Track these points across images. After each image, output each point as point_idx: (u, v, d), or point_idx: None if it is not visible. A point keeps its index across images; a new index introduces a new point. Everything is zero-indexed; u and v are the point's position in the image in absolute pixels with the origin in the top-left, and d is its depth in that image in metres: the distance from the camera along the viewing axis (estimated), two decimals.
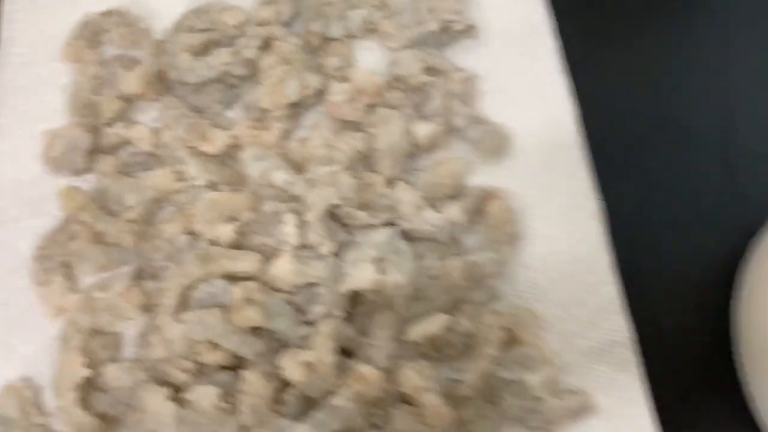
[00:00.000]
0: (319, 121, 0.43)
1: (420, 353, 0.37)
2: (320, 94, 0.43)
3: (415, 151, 0.43)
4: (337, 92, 0.43)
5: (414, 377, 0.36)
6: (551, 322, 0.40)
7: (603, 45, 0.47)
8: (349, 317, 0.38)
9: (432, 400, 0.35)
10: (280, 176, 0.39)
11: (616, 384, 0.38)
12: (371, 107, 0.43)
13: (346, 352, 0.37)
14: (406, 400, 0.36)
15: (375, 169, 0.41)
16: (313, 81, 0.42)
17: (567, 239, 0.41)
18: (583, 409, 0.37)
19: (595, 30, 0.47)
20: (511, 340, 0.38)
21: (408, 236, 0.40)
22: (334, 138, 0.42)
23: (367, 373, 0.35)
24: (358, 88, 0.43)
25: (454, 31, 0.46)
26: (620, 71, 0.47)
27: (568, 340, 0.39)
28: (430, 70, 0.44)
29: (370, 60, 0.46)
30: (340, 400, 0.35)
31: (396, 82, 0.44)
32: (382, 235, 0.39)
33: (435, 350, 0.38)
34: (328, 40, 0.45)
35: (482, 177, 0.43)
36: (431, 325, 0.37)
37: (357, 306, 0.39)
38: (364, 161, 0.42)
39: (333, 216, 0.40)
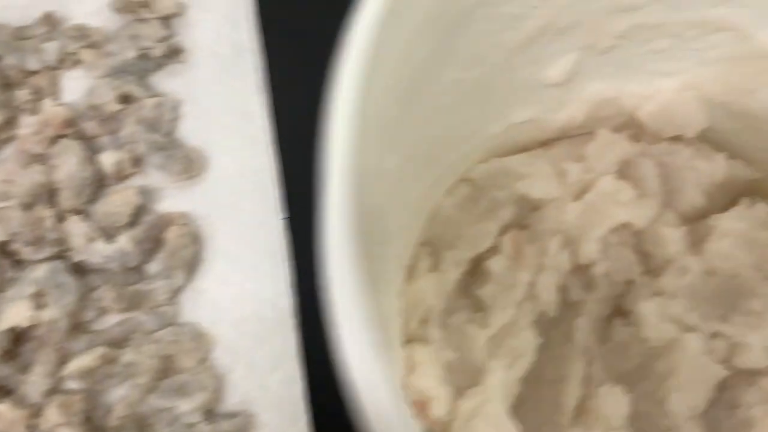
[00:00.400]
0: (9, 156, 0.43)
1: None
2: (9, 129, 0.44)
3: (106, 181, 0.43)
4: (26, 125, 0.43)
5: (54, 413, 0.36)
6: (225, 343, 0.40)
7: (307, 64, 0.47)
8: (10, 355, 0.39)
9: None
10: None
11: (283, 401, 0.39)
12: (57, 139, 0.43)
13: (5, 391, 0.38)
14: None
15: (57, 202, 0.42)
16: None
17: (250, 257, 0.42)
18: (243, 430, 0.38)
19: (300, 49, 0.47)
20: (167, 368, 0.38)
21: (80, 268, 0.40)
22: (19, 172, 0.42)
23: (3, 411, 0.36)
24: (45, 120, 0.43)
25: (157, 57, 0.46)
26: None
27: (241, 359, 0.40)
28: (125, 98, 0.44)
29: (77, 91, 0.46)
30: None
31: (92, 111, 0.44)
32: (42, 270, 0.39)
33: (92, 383, 0.38)
34: (29, 73, 0.46)
35: (173, 201, 0.43)
36: (86, 359, 0.38)
37: (23, 343, 0.39)
38: (47, 195, 0.42)
39: (5, 253, 0.40)
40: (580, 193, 0.39)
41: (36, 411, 0.37)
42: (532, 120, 0.38)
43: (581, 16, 0.34)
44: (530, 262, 0.38)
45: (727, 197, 0.39)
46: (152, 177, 0.44)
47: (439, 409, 0.35)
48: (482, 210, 0.39)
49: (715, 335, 0.36)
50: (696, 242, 0.38)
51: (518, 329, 0.37)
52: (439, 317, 0.37)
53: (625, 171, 0.39)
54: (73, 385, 0.38)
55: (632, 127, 0.40)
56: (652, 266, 0.39)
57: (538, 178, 0.39)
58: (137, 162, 0.43)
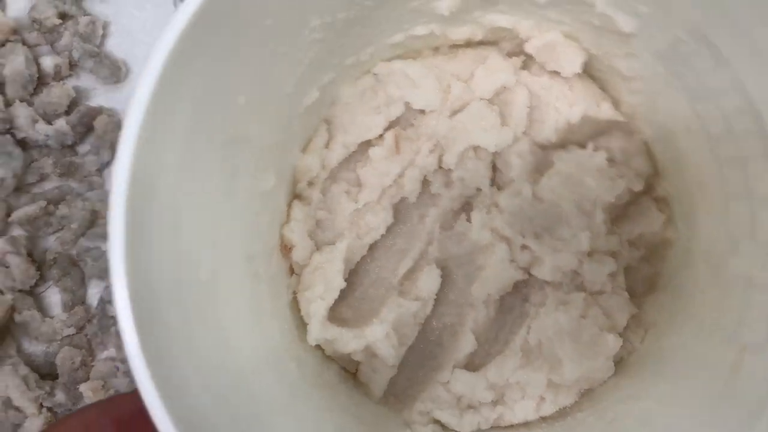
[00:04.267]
0: None
1: None
2: None
3: (46, 80, 0.53)
4: None
5: (3, 244, 0.46)
6: None
7: None
8: None
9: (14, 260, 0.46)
10: None
11: None
12: (5, 43, 0.52)
13: None
14: None
15: (5, 92, 0.51)
16: None
17: None
18: None
19: None
20: (94, 219, 0.49)
21: (24, 144, 0.50)
22: None
23: None
24: None
25: None
26: None
27: None
28: (62, 15, 0.54)
29: (21, 7, 0.55)
30: None
31: (34, 23, 0.54)
32: None
33: (34, 229, 0.48)
34: None
35: (101, 99, 0.53)
36: (29, 208, 0.48)
37: None
38: None
39: None
40: (456, 110, 0.45)
41: None
42: (433, 34, 0.43)
43: None
44: (404, 157, 0.45)
45: (584, 136, 0.46)
46: (85, 79, 0.53)
47: (298, 254, 0.44)
48: (377, 103, 0.45)
49: (524, 248, 0.44)
50: (535, 171, 0.45)
51: (379, 208, 0.45)
52: (322, 184, 0.45)
53: (500, 95, 0.45)
54: (18, 231, 0.48)
55: (523, 54, 0.45)
56: (498, 181, 0.46)
57: (425, 90, 0.44)
58: (73, 67, 0.53)
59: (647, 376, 0.42)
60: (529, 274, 0.44)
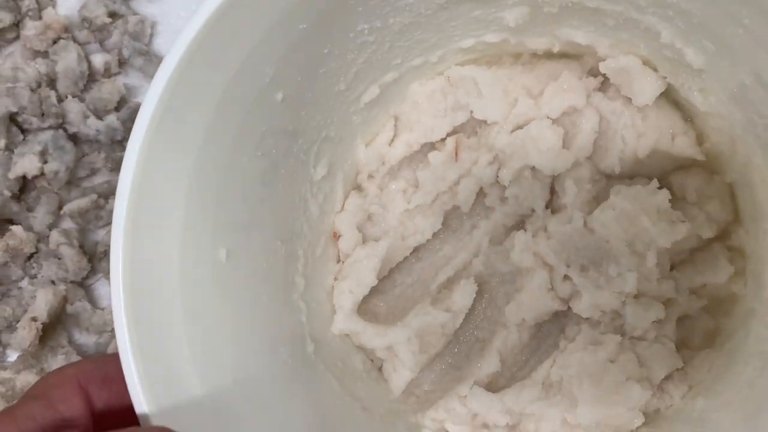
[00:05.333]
0: (15, 50, 0.54)
1: None
2: (15, 30, 0.54)
3: (96, 77, 0.54)
4: (30, 28, 0.54)
5: (57, 236, 0.47)
6: None
7: None
8: (18, 197, 0.49)
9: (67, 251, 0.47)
10: None
11: None
12: (56, 40, 0.54)
13: (15, 223, 0.49)
14: None
15: (57, 88, 0.53)
16: (6, 18, 0.53)
17: None
18: None
19: None
20: None
21: (76, 138, 0.51)
22: (23, 63, 0.53)
23: (18, 232, 0.47)
24: (47, 24, 0.54)
25: None
26: None
27: None
28: (112, 14, 0.55)
29: (69, 5, 0.57)
30: None
31: (84, 22, 0.55)
32: (47, 135, 0.50)
33: (84, 222, 0.49)
34: None
35: None
36: (82, 202, 0.49)
37: (29, 191, 0.50)
38: (49, 81, 0.53)
39: (14, 121, 0.51)
40: (518, 126, 0.44)
41: (42, 237, 0.48)
42: (507, 41, 0.42)
43: None
44: (462, 165, 0.44)
45: (657, 169, 0.43)
46: (133, 77, 0.55)
47: (344, 244, 0.45)
48: (444, 106, 0.45)
49: (566, 278, 0.42)
50: (593, 200, 0.43)
51: (430, 213, 0.45)
52: (381, 179, 0.46)
53: (569, 116, 0.43)
54: (69, 224, 0.50)
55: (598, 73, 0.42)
56: (553, 205, 0.44)
57: (490, 101, 0.43)
58: (122, 64, 0.54)
59: (678, 430, 0.40)
60: (569, 307, 0.43)
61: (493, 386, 0.44)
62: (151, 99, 0.28)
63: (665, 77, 0.40)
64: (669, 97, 0.42)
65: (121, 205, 0.28)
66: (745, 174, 0.40)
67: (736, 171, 0.41)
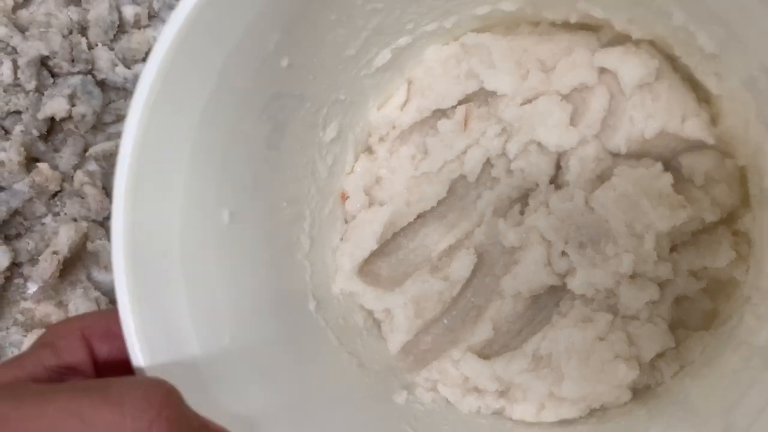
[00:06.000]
0: None
1: None
2: None
3: (126, 28, 0.56)
4: None
5: (81, 176, 0.50)
6: None
7: None
8: (46, 138, 0.52)
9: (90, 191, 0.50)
10: (2, 30, 0.52)
11: None
12: None
13: (42, 161, 0.51)
14: None
15: (88, 36, 0.55)
16: None
17: None
18: None
19: None
20: None
21: (104, 85, 0.53)
22: (56, 9, 0.55)
23: (44, 169, 0.49)
24: None
25: None
26: None
27: None
28: None
29: None
30: (20, 186, 0.49)
31: None
32: (76, 79, 0.52)
33: (108, 166, 0.52)
34: None
35: None
36: (107, 146, 0.51)
37: (57, 133, 0.52)
38: (80, 28, 0.55)
39: (45, 65, 0.53)
40: (527, 99, 0.43)
41: (66, 177, 0.51)
42: (523, 10, 0.42)
43: None
44: (471, 135, 0.45)
45: (666, 150, 0.43)
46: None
47: (351, 205, 0.45)
48: (458, 73, 0.44)
49: (563, 254, 0.43)
50: (596, 179, 0.43)
51: (437, 180, 0.45)
52: (391, 143, 0.46)
53: (580, 93, 0.43)
54: (93, 166, 0.52)
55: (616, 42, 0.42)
56: (557, 180, 0.44)
57: (501, 72, 0.43)
58: (151, 18, 0.56)
59: (663, 408, 0.41)
60: (565, 282, 0.43)
61: (485, 353, 0.45)
62: (153, 62, 0.28)
63: (680, 57, 0.40)
64: (684, 77, 0.42)
65: (123, 166, 0.29)
66: (756, 159, 0.39)
67: (749, 155, 0.40)
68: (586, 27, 0.43)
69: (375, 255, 0.46)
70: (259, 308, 0.37)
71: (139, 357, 0.29)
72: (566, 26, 0.44)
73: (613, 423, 0.42)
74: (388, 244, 0.46)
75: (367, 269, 0.46)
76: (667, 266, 0.42)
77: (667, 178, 0.41)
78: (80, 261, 0.51)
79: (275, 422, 0.33)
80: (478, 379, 0.44)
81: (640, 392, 0.43)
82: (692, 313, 0.44)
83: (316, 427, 0.36)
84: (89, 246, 0.50)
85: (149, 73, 0.28)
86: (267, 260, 0.39)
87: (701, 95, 0.42)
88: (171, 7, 0.55)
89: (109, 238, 0.51)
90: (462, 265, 0.45)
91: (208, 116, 0.31)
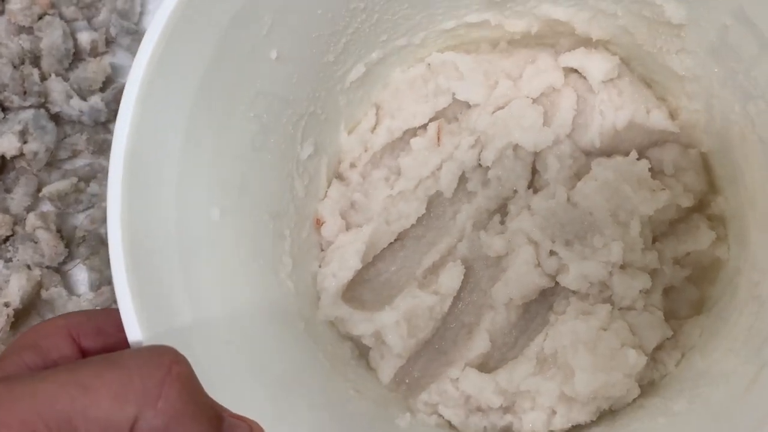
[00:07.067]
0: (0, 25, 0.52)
1: None
2: (1, 4, 0.52)
3: (82, 55, 0.52)
4: (15, 2, 0.52)
5: (34, 220, 0.46)
6: None
7: None
8: None
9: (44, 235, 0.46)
10: None
11: None
12: (42, 16, 0.52)
13: None
14: None
15: (41, 66, 0.51)
16: None
17: None
18: None
19: None
20: None
21: (58, 118, 0.50)
22: (6, 38, 0.51)
23: None
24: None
25: None
26: None
27: None
28: None
29: None
30: None
31: None
32: (28, 114, 0.48)
33: (64, 206, 0.48)
34: None
35: None
36: (61, 185, 0.48)
37: (8, 171, 0.48)
38: (32, 58, 0.51)
39: None
40: (499, 107, 0.45)
41: (19, 220, 0.47)
42: (487, 23, 0.44)
43: None
44: (444, 150, 0.45)
45: (633, 144, 0.44)
46: (120, 57, 0.53)
47: (327, 231, 0.44)
48: (426, 92, 0.45)
49: (552, 254, 0.43)
50: (575, 176, 0.44)
51: (413, 198, 0.45)
52: (363, 167, 0.46)
53: (548, 96, 0.45)
54: (48, 207, 0.48)
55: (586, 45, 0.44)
56: (536, 185, 0.45)
57: (472, 83, 0.44)
58: (109, 43, 0.53)
59: (672, 396, 0.40)
60: (556, 282, 0.43)
61: (484, 368, 0.43)
62: (144, 53, 0.29)
63: (641, 45, 0.42)
64: (641, 77, 0.44)
65: (119, 149, 0.28)
66: (722, 137, 0.41)
67: (712, 138, 0.42)
68: (543, 43, 0.46)
69: (357, 283, 0.44)
70: (255, 317, 0.36)
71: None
72: (523, 42, 0.46)
73: (625, 419, 0.41)
74: (369, 268, 0.45)
75: (350, 296, 0.44)
76: (654, 254, 0.43)
77: (644, 164, 0.43)
78: (34, 310, 0.47)
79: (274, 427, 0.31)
80: (481, 396, 0.42)
81: (644, 389, 0.42)
82: (681, 303, 0.44)
83: None
84: (43, 294, 0.46)
85: (141, 60, 0.29)
86: (255, 270, 0.38)
87: (658, 92, 0.45)
88: (129, 33, 0.52)
89: (65, 285, 0.48)
90: (451, 277, 0.44)
91: (199, 105, 0.32)
